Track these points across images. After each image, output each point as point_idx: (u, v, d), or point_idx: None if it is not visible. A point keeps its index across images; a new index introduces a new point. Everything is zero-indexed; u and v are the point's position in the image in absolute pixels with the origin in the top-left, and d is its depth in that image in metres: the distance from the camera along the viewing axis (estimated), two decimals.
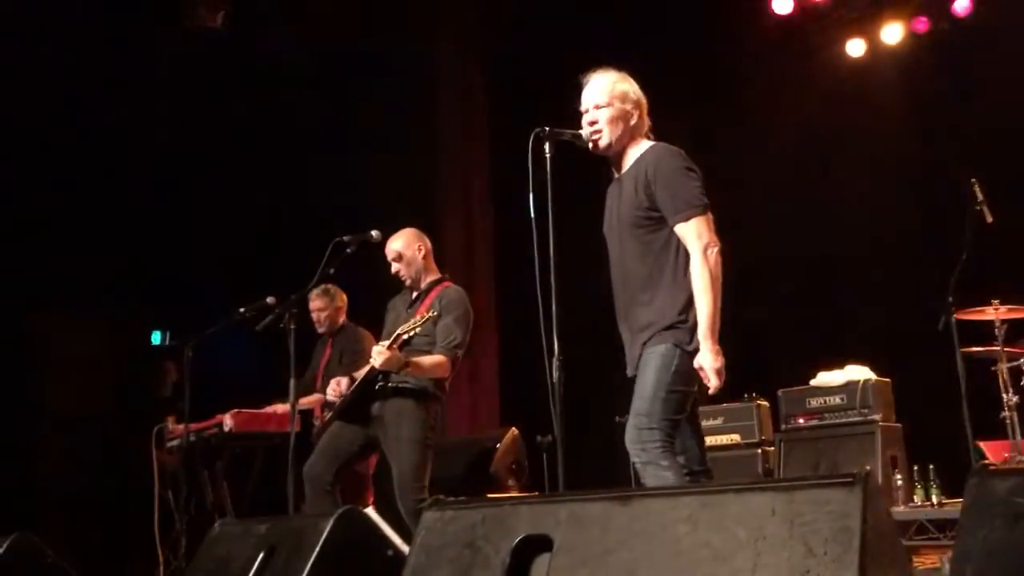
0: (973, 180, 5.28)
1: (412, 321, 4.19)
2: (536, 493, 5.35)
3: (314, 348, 5.59)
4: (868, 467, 4.08)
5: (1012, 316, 5.33)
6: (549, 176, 3.26)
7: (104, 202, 6.87)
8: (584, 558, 2.07)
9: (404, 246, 4.52)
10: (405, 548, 2.86)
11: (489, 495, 5.31)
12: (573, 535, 2.11)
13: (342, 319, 5.55)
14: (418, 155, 7.65)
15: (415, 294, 4.55)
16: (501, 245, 7.83)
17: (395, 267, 4.52)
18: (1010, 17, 7.28)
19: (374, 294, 5.05)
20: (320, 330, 5.51)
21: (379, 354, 4.15)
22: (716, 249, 3.08)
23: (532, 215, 3.22)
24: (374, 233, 4.45)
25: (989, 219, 5.19)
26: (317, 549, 2.85)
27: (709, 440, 5.95)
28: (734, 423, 6.05)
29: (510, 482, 5.51)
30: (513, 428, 5.73)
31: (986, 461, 1.71)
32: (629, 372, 3.23)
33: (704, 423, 5.94)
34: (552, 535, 2.14)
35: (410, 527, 3.82)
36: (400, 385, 4.33)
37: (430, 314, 4.22)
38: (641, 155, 3.26)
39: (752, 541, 1.84)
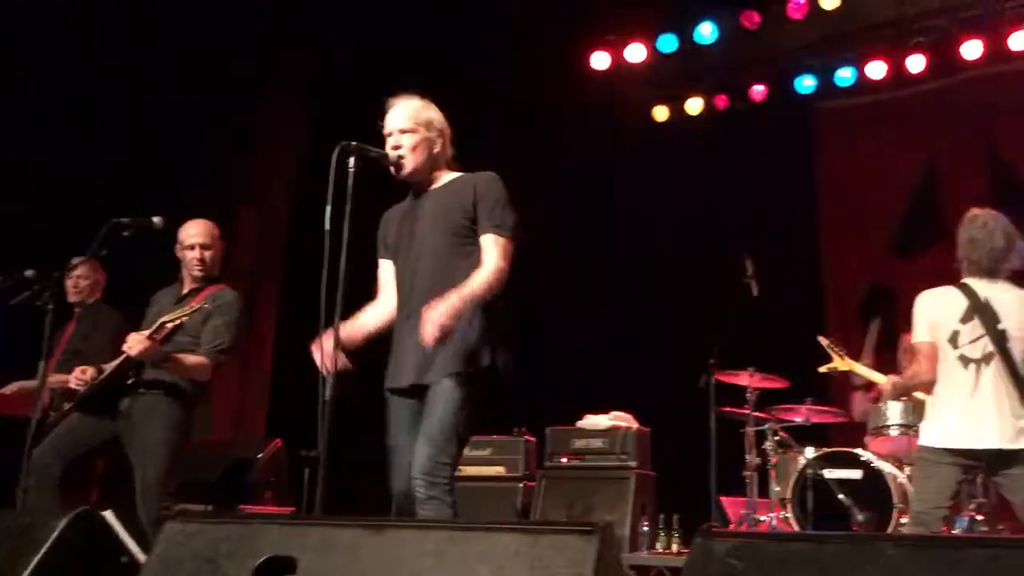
0: (745, 254, 5.71)
1: (180, 311, 3.97)
2: (293, 509, 5.22)
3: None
4: (608, 518, 4.26)
5: (764, 385, 5.78)
6: (350, 190, 3.23)
7: None
8: None
9: (209, 236, 4.31)
10: (143, 557, 2.71)
11: (243, 507, 5.15)
12: (319, 560, 2.08)
13: (98, 295, 5.13)
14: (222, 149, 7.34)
15: (186, 290, 4.31)
16: (296, 251, 7.66)
17: (194, 254, 4.26)
18: (797, 108, 8.00)
19: (142, 290, 4.74)
20: (73, 299, 5.03)
21: (138, 342, 3.90)
22: (504, 275, 3.14)
23: (327, 227, 3.17)
24: (156, 219, 4.17)
25: (755, 292, 5.63)
26: (43, 550, 2.65)
27: (475, 471, 6.10)
28: (501, 456, 6.16)
29: (268, 495, 5.35)
30: (278, 440, 5.59)
31: (712, 524, 1.83)
32: (406, 381, 3.16)
33: (471, 453, 6.12)
34: (299, 558, 2.10)
35: (149, 536, 3.61)
36: (155, 380, 4.08)
37: (201, 306, 4.02)
38: (462, 177, 3.30)
39: None
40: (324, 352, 3.06)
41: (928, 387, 3.85)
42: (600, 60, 8.14)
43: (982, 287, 3.75)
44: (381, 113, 3.42)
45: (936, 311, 3.79)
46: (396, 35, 7.46)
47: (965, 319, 3.71)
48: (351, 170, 3.20)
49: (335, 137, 3.26)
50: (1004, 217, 3.83)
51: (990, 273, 3.77)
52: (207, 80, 6.92)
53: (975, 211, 3.87)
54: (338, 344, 3.04)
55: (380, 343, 3.55)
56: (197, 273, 4.30)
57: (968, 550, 1.69)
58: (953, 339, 3.72)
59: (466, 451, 6.00)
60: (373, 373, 3.38)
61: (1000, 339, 3.64)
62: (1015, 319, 3.68)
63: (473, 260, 3.16)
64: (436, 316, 2.94)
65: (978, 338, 3.68)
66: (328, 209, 3.16)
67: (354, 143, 3.23)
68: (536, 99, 7.69)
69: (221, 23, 6.87)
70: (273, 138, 7.49)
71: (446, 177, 3.33)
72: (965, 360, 3.70)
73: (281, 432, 6.01)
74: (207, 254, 4.30)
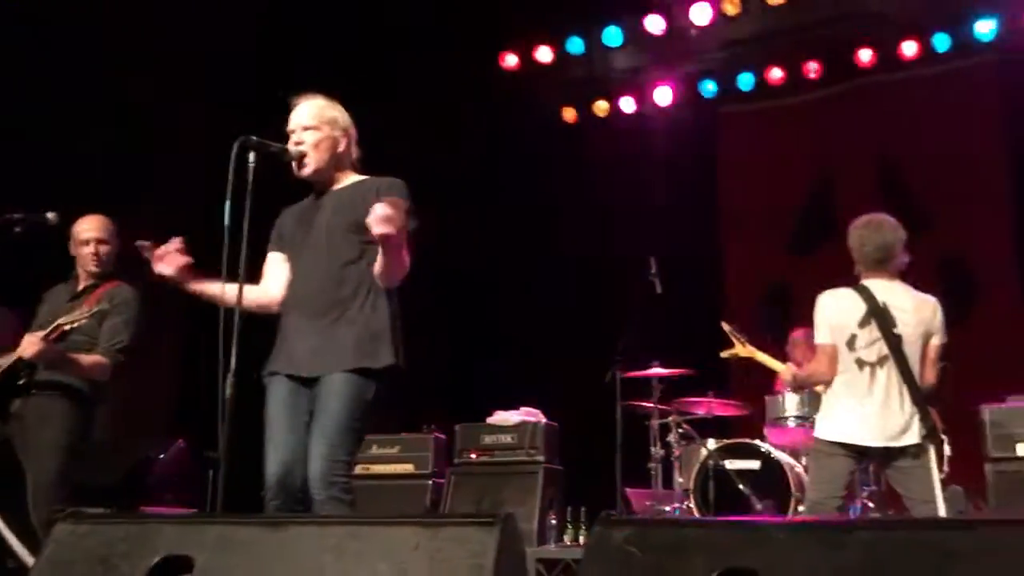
0: (650, 256, 5.83)
1: (78, 312, 3.85)
2: (195, 510, 5.11)
3: None
4: (510, 510, 4.26)
5: (668, 376, 5.91)
6: (251, 186, 3.18)
7: None
8: None
9: (105, 231, 4.19)
10: (31, 560, 2.62)
11: (143, 508, 5.02)
12: (217, 558, 2.04)
13: None
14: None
15: (82, 286, 4.18)
16: (200, 247, 7.46)
17: (89, 249, 4.13)
18: (700, 111, 8.20)
19: (34, 289, 4.57)
20: None
21: (32, 344, 3.78)
22: (406, 270, 3.09)
23: (227, 222, 3.12)
24: (50, 215, 4.04)
25: (659, 290, 5.75)
26: None
27: (382, 469, 6.07)
28: (409, 453, 6.14)
29: (169, 496, 5.22)
30: (180, 439, 5.46)
31: (610, 512, 1.88)
32: (302, 371, 3.08)
33: (380, 451, 6.09)
34: (195, 556, 2.06)
35: (42, 540, 3.49)
36: (49, 381, 3.95)
37: (99, 307, 3.90)
38: (366, 180, 3.26)
39: (392, 574, 1.88)
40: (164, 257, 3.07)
41: (827, 385, 4.00)
42: (509, 61, 8.20)
43: (880, 289, 3.88)
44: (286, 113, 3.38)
45: (835, 315, 3.91)
46: (304, 33, 7.35)
47: (863, 323, 3.84)
48: (251, 165, 3.15)
49: (237, 132, 3.21)
50: (890, 217, 4.00)
51: (883, 268, 3.90)
52: (103, 70, 6.71)
53: (863, 216, 4.03)
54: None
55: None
56: (93, 269, 4.16)
57: (852, 532, 1.77)
58: (851, 342, 3.85)
59: (374, 449, 6.10)
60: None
61: (895, 343, 3.79)
62: (911, 324, 3.83)
63: (369, 258, 3.10)
64: (382, 210, 2.80)
65: (874, 342, 3.82)
66: (227, 205, 3.11)
67: (254, 138, 3.17)
68: (445, 99, 7.69)
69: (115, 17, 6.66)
70: (173, 132, 7.28)
71: (350, 179, 3.29)
72: (861, 363, 3.83)
73: (187, 432, 5.87)
74: (103, 249, 4.17)
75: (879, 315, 3.82)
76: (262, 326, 3.44)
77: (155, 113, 7.20)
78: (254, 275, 3.18)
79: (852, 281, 4.00)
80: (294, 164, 3.25)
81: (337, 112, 3.31)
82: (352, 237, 3.13)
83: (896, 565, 1.60)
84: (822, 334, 3.95)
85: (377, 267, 3.05)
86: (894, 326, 3.81)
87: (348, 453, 2.97)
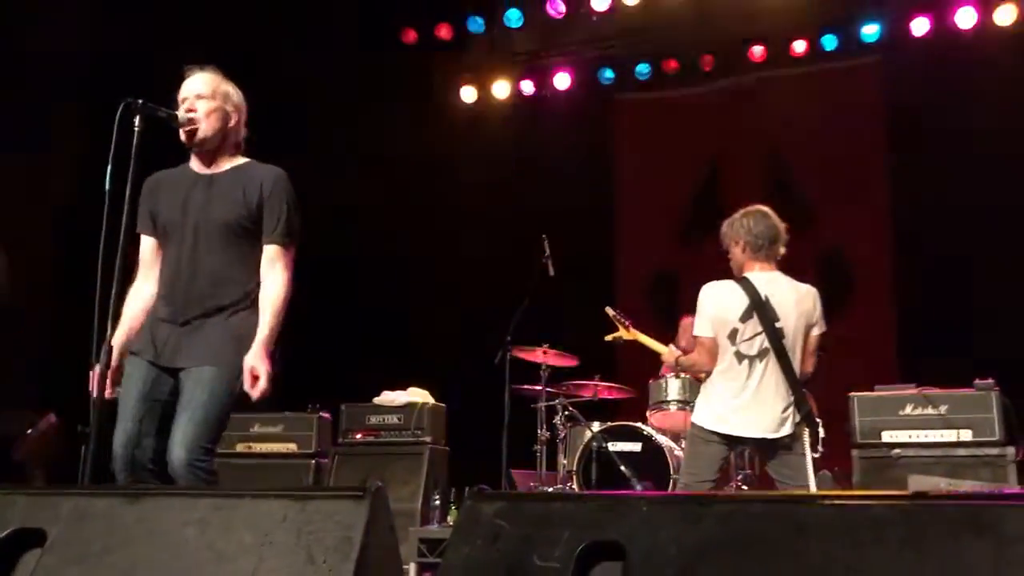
0: (544, 236, 5.86)
1: None
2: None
3: None
4: (379, 483, 4.25)
5: (556, 362, 5.97)
6: (135, 150, 3.08)
7: None
8: (80, 555, 1.94)
9: None
10: None
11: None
12: (71, 531, 1.97)
13: None
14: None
15: None
16: (81, 214, 7.16)
17: None
18: (598, 97, 8.28)
19: None
20: None
21: None
22: (291, 284, 3.16)
23: (107, 187, 3.01)
24: None
25: (551, 272, 5.80)
26: None
27: (265, 447, 5.97)
28: (292, 432, 6.05)
29: (38, 473, 5.01)
30: (51, 414, 5.23)
31: (480, 487, 1.89)
32: (166, 362, 3.07)
33: (262, 430, 5.99)
34: (48, 529, 1.98)
35: None
36: None
37: None
38: (249, 166, 3.24)
39: (257, 546, 1.85)
40: (98, 378, 2.95)
41: (707, 375, 4.09)
42: (409, 36, 8.12)
43: (762, 282, 3.95)
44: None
45: (717, 308, 3.97)
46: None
47: (744, 317, 3.90)
48: (136, 129, 3.06)
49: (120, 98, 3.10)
50: (768, 208, 4.11)
51: (770, 255, 3.99)
52: None
53: (743, 208, 4.12)
54: (108, 368, 2.97)
55: None
56: None
57: (712, 505, 1.81)
58: (732, 336, 3.92)
59: (256, 428, 5.99)
60: None
61: (775, 337, 3.87)
62: (792, 317, 3.91)
63: (250, 262, 3.14)
64: (257, 368, 2.98)
65: (755, 335, 3.89)
66: (108, 169, 3.01)
67: (140, 100, 3.08)
68: (340, 77, 7.56)
69: None
70: (47, 88, 6.93)
71: (233, 162, 3.25)
72: (740, 356, 3.91)
73: (58, 406, 5.63)
74: None
75: (760, 309, 3.88)
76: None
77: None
78: (133, 242, 3.07)
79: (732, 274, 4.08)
80: (182, 132, 3.20)
81: (231, 88, 3.28)
82: (231, 240, 3.13)
83: (752, 536, 1.65)
84: (702, 327, 4.01)
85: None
86: (776, 320, 3.88)
87: (212, 441, 3.00)
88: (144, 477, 2.95)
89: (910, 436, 4.99)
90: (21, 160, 6.39)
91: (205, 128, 3.17)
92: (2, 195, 6.05)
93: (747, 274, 4.01)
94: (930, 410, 4.96)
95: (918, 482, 4.65)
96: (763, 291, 3.92)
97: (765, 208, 4.08)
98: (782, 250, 4.06)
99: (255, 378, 3.00)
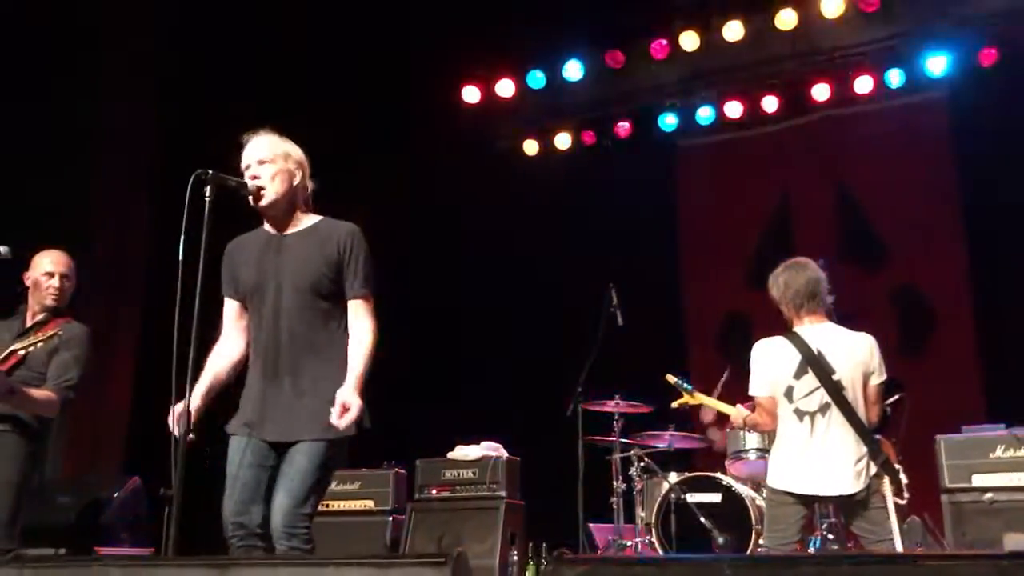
0: (611, 285, 5.85)
1: (31, 338, 3.79)
2: (152, 549, 5.01)
3: None
4: (477, 548, 4.22)
5: (629, 411, 5.91)
6: (206, 220, 3.17)
7: None
8: None
9: (69, 267, 4.16)
10: None
11: (98, 549, 4.91)
12: None
13: None
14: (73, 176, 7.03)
15: (30, 322, 4.10)
16: (154, 283, 7.40)
17: (53, 282, 4.08)
18: (660, 144, 8.29)
19: None
20: None
21: None
22: (377, 335, 3.20)
23: (181, 257, 3.11)
24: (2, 249, 3.98)
25: (620, 322, 5.77)
26: None
27: (343, 505, 6.01)
28: (369, 489, 6.09)
29: (124, 536, 5.12)
30: (135, 478, 5.36)
31: (562, 551, 1.87)
32: (271, 437, 3.13)
33: (340, 487, 6.03)
34: None
35: None
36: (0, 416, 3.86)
37: (56, 332, 3.84)
38: (325, 224, 3.30)
39: None
40: (178, 419, 3.03)
41: (771, 434, 4.00)
42: (471, 94, 8.27)
43: (813, 335, 3.84)
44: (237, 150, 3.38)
45: (770, 367, 3.89)
46: (257, 62, 7.34)
47: (798, 374, 3.80)
48: (207, 199, 3.15)
49: (191, 168, 3.20)
50: (809, 259, 4.02)
51: (814, 308, 3.88)
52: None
53: (780, 265, 4.03)
54: (188, 413, 3.02)
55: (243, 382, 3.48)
56: (50, 303, 4.09)
57: (799, 567, 1.77)
58: (788, 394, 3.83)
59: (334, 485, 6.02)
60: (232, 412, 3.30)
61: (835, 390, 3.75)
62: (848, 367, 3.79)
63: (336, 320, 3.20)
64: (349, 401, 3.01)
65: (813, 391, 3.78)
66: (182, 239, 3.10)
67: (210, 171, 3.18)
68: (407, 132, 7.72)
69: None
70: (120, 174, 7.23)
71: (306, 221, 3.31)
72: (800, 413, 3.80)
73: (141, 470, 5.76)
74: (66, 284, 4.14)
75: (815, 363, 3.78)
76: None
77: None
78: (208, 309, 3.14)
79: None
80: (251, 198, 3.26)
81: (290, 146, 3.34)
82: (315, 300, 3.19)
83: None
84: (757, 387, 3.93)
85: None
86: (832, 372, 3.78)
87: (312, 507, 3.05)
88: (253, 543, 3.01)
89: (1003, 480, 4.81)
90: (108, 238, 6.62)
91: (272, 190, 3.24)
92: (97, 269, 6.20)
93: (797, 328, 3.91)
94: (1022, 452, 4.79)
95: (1014, 540, 4.46)
96: (815, 345, 3.82)
97: (804, 260, 4.00)
98: (829, 299, 3.97)
99: (345, 409, 3.02)
